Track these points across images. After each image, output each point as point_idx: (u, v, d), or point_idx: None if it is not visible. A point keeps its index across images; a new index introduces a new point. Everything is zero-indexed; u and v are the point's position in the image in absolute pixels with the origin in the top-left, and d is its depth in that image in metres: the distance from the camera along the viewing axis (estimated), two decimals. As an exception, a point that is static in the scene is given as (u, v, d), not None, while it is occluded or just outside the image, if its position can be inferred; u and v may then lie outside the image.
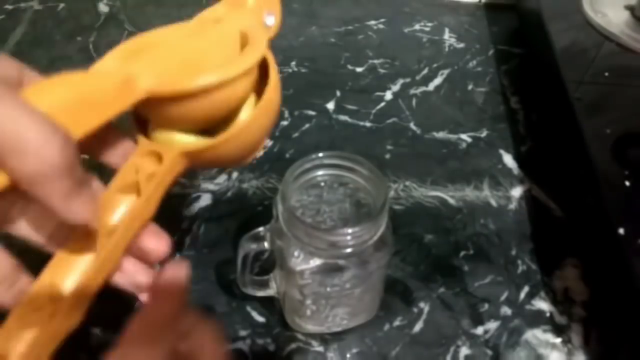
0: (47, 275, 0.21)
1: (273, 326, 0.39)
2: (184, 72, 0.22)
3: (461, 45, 0.65)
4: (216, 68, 0.22)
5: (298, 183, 0.35)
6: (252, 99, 0.25)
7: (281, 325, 0.39)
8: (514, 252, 0.44)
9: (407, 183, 0.49)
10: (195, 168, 0.26)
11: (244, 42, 0.24)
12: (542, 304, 0.41)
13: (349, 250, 0.31)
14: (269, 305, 0.40)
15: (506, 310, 0.40)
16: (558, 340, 0.39)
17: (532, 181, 0.49)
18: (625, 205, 0.38)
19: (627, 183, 0.39)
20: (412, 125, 0.55)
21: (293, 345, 0.38)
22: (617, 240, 0.35)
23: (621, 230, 0.35)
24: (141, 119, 0.25)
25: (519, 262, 0.43)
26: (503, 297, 0.41)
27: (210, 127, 0.24)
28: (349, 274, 0.34)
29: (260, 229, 0.34)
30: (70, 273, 0.21)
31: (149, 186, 0.22)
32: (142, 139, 0.23)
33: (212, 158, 0.23)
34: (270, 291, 0.38)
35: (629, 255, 0.34)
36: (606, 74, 0.49)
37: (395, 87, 0.59)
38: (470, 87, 0.59)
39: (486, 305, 0.40)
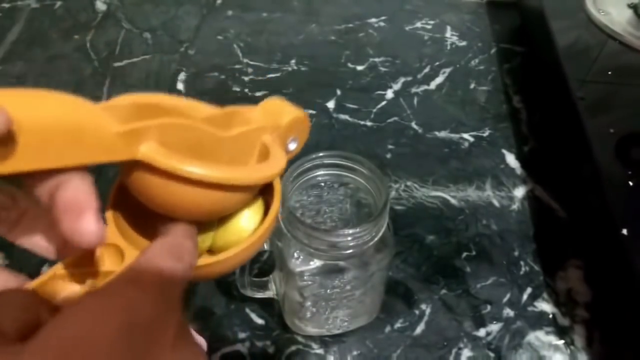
0: None
1: (272, 328, 0.38)
2: (191, 154, 0.19)
3: (463, 43, 0.65)
4: (225, 166, 0.19)
5: (298, 183, 0.34)
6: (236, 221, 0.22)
7: (281, 328, 0.38)
8: (516, 253, 0.43)
9: (409, 183, 0.48)
10: None
11: (262, 153, 0.23)
12: (545, 306, 0.40)
13: (349, 251, 0.31)
14: (269, 307, 0.39)
15: (508, 312, 0.40)
16: (561, 342, 0.38)
17: (535, 181, 0.49)
18: (628, 205, 0.37)
19: (631, 183, 0.38)
20: (413, 125, 0.54)
21: (293, 348, 0.38)
22: (620, 241, 0.35)
23: (625, 231, 0.35)
24: (119, 202, 0.22)
25: (522, 263, 0.43)
26: (505, 299, 0.40)
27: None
28: (350, 275, 0.33)
29: (260, 229, 0.34)
30: None
31: (98, 284, 0.19)
32: (111, 226, 0.20)
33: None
34: (270, 293, 0.38)
35: (632, 256, 0.34)
36: (609, 72, 0.48)
37: (397, 86, 0.58)
38: (472, 85, 0.59)
39: (488, 307, 0.40)
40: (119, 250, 0.20)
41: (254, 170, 0.21)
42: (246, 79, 0.59)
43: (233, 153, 0.21)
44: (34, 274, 0.42)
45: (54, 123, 0.15)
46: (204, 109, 0.21)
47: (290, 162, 0.33)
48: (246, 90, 0.58)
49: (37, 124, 0.15)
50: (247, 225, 0.22)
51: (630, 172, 0.39)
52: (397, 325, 0.39)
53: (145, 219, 0.21)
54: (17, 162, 0.15)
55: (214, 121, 0.21)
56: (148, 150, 0.18)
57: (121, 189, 0.22)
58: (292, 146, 0.25)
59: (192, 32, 0.65)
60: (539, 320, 0.39)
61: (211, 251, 0.23)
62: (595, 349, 0.38)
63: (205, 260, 0.20)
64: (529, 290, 0.41)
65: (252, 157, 0.23)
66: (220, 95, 0.57)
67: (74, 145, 0.16)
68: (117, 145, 0.17)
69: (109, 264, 0.19)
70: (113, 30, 0.65)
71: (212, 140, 0.20)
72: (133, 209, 0.21)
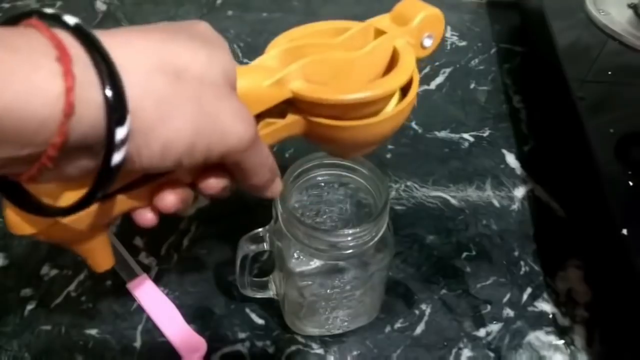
0: None
1: (272, 328, 0.38)
2: (332, 81, 0.24)
3: (463, 43, 0.65)
4: (360, 85, 0.24)
5: (298, 183, 0.34)
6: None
7: (281, 328, 0.38)
8: (516, 253, 0.43)
9: (409, 183, 0.48)
10: (310, 140, 0.28)
11: (395, 58, 0.26)
12: (545, 306, 0.40)
13: (349, 251, 0.31)
14: (269, 307, 0.39)
15: (508, 312, 0.40)
16: (561, 342, 0.38)
17: (534, 181, 0.49)
18: (629, 205, 0.37)
19: (631, 183, 0.38)
20: (413, 125, 0.54)
21: (293, 348, 0.37)
22: (620, 241, 0.35)
23: (625, 231, 0.35)
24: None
25: (522, 263, 0.43)
26: (505, 299, 0.40)
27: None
28: (350, 275, 0.33)
29: (260, 229, 0.34)
30: None
31: (262, 130, 0.25)
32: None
33: (328, 136, 0.25)
34: (270, 293, 0.38)
35: (632, 256, 0.34)
36: (609, 72, 0.48)
37: (396, 86, 0.58)
38: (472, 85, 0.59)
39: (488, 307, 0.40)
40: (281, 109, 0.25)
41: (383, 83, 0.24)
42: (246, 79, 0.59)
43: (370, 65, 0.25)
44: (34, 273, 0.41)
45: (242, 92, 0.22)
46: (346, 27, 0.26)
47: (290, 162, 0.33)
48: (246, 90, 0.58)
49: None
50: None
51: (630, 172, 0.39)
52: (397, 325, 0.39)
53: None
54: None
55: (352, 41, 0.26)
56: (296, 89, 0.23)
57: None
58: (428, 42, 0.26)
59: (192, 32, 0.65)
60: (539, 320, 0.39)
61: None
62: (595, 349, 0.38)
63: (359, 122, 0.25)
64: (529, 290, 0.41)
65: (385, 64, 0.26)
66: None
67: (246, 100, 0.22)
68: (272, 93, 0.23)
69: (272, 118, 0.25)
70: (113, 30, 0.65)
71: (348, 62, 0.24)
72: None
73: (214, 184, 0.24)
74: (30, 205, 0.19)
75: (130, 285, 0.39)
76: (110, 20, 0.66)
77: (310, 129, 0.25)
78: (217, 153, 0.20)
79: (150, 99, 0.18)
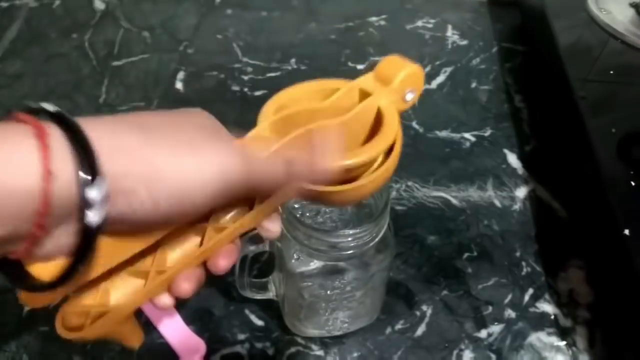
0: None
1: (272, 330, 0.38)
2: None
3: (464, 42, 0.64)
4: (350, 149, 0.25)
5: (298, 183, 0.34)
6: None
7: (280, 329, 0.38)
8: (518, 254, 0.43)
9: (410, 183, 0.48)
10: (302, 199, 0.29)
11: (378, 118, 0.27)
12: (547, 307, 0.40)
13: (349, 252, 0.31)
14: (268, 308, 0.39)
15: (510, 313, 0.39)
16: (562, 343, 0.38)
17: (536, 181, 0.49)
18: (630, 205, 0.37)
19: (633, 183, 0.38)
20: (414, 124, 0.54)
21: (292, 349, 0.37)
22: (622, 241, 0.35)
23: (627, 231, 0.35)
24: None
25: (523, 263, 0.42)
26: (507, 300, 0.40)
27: None
28: (350, 276, 0.33)
29: (259, 230, 0.34)
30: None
31: (230, 228, 0.25)
32: None
33: (315, 199, 0.26)
34: (270, 294, 0.37)
35: (634, 256, 0.34)
36: (611, 72, 0.48)
37: (397, 85, 0.58)
38: (473, 85, 0.59)
39: (490, 308, 0.40)
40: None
41: (370, 147, 0.25)
42: (245, 78, 0.59)
43: (355, 128, 0.27)
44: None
45: None
46: (333, 87, 0.28)
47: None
48: (245, 89, 0.57)
49: None
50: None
51: (632, 172, 0.39)
52: (398, 326, 0.39)
53: None
54: None
55: (339, 102, 0.27)
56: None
57: None
58: (410, 97, 0.28)
59: (191, 30, 0.65)
60: (541, 321, 0.39)
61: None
62: (597, 350, 0.38)
63: (342, 187, 0.25)
64: (530, 291, 0.41)
65: (370, 124, 0.27)
66: (219, 94, 0.57)
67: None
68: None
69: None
70: (111, 29, 0.65)
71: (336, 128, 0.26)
72: None
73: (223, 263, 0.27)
74: (20, 282, 0.20)
75: (129, 286, 0.39)
76: (109, 19, 0.66)
77: (302, 194, 0.26)
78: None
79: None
